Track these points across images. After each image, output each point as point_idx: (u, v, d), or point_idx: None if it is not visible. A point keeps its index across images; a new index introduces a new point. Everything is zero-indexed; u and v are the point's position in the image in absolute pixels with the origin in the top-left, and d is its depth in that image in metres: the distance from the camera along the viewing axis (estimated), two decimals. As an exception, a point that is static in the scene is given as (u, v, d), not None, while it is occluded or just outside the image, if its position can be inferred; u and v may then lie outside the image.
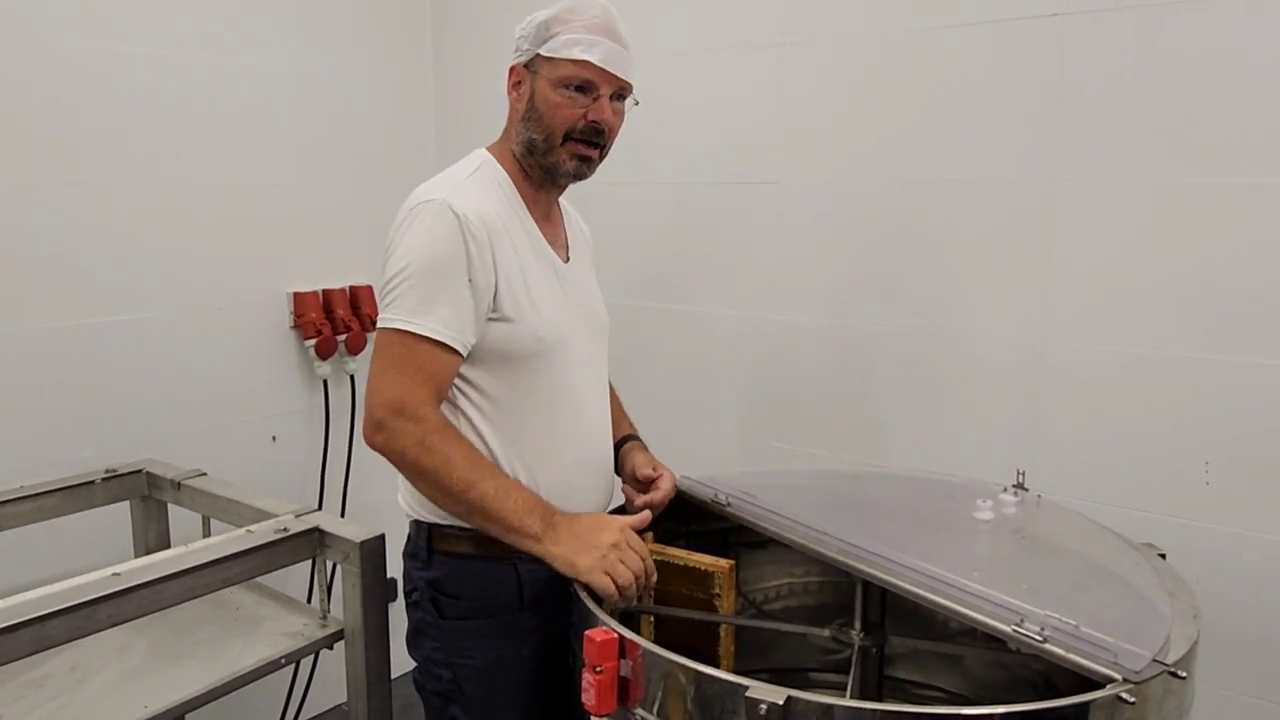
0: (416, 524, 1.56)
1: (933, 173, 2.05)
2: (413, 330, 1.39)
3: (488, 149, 1.59)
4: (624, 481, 1.71)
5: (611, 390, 1.75)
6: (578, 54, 1.45)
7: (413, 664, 1.58)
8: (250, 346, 2.58)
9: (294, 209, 2.65)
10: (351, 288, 2.78)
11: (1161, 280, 1.81)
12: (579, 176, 1.54)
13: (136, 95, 2.27)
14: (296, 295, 2.65)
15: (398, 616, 1.65)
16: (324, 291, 2.72)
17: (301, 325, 2.66)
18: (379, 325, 1.44)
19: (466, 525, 1.48)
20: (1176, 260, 1.79)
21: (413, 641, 1.57)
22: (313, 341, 2.65)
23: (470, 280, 1.42)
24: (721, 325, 2.43)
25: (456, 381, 1.47)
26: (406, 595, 1.58)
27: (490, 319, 1.45)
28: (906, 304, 2.12)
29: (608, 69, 1.47)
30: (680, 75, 2.39)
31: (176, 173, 2.37)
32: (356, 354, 2.77)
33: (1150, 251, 1.81)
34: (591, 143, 1.51)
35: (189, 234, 2.40)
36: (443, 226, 1.42)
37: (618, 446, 1.73)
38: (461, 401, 1.48)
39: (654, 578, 1.44)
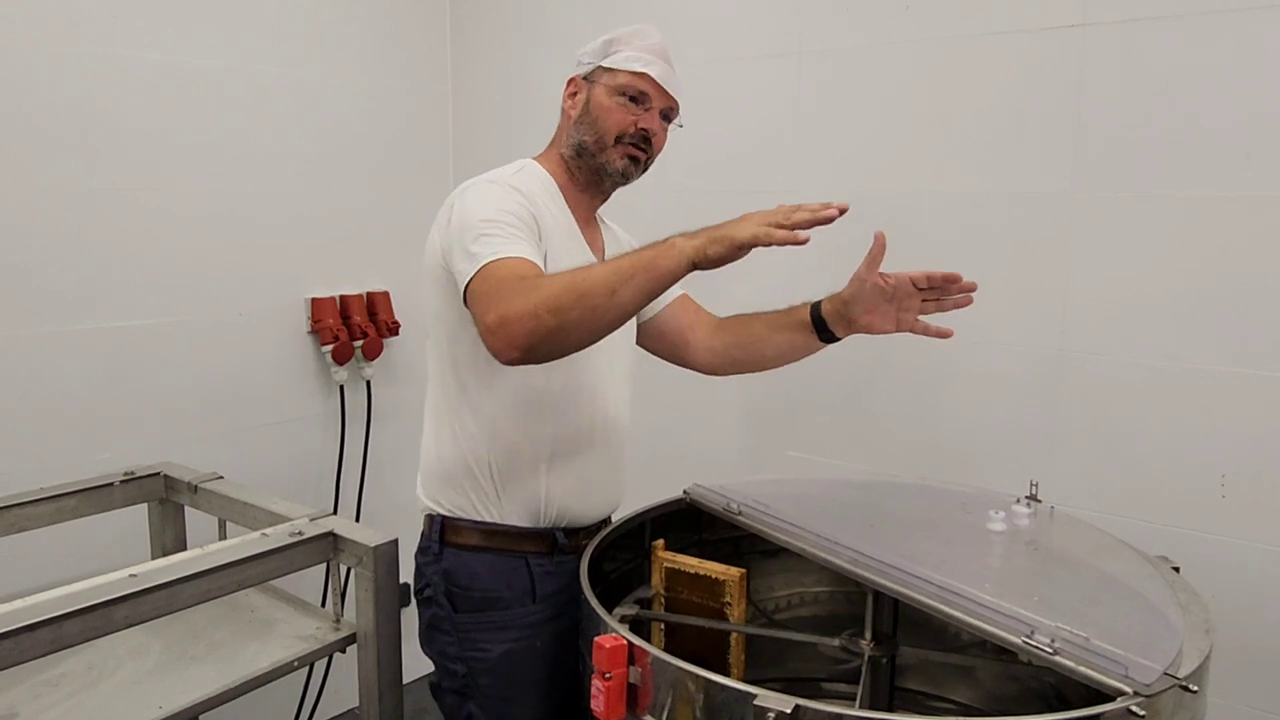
0: (429, 518, 1.58)
1: (951, 183, 2.05)
2: (492, 259, 1.34)
3: (533, 158, 1.64)
4: (892, 296, 1.56)
5: (741, 319, 1.77)
6: (638, 67, 1.55)
7: (425, 669, 1.59)
8: (268, 351, 2.61)
9: (312, 215, 2.67)
10: (369, 294, 2.80)
11: (1179, 293, 1.80)
12: (626, 176, 1.60)
13: (159, 101, 2.30)
14: (314, 301, 2.68)
15: (410, 621, 1.66)
16: (341, 297, 2.74)
17: (319, 331, 2.68)
18: (461, 285, 1.37)
19: (477, 518, 1.49)
20: (1194, 273, 1.78)
21: (426, 638, 1.59)
22: (330, 347, 2.67)
23: (532, 227, 1.44)
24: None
25: (475, 376, 1.48)
26: (418, 593, 1.60)
27: None
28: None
29: (663, 84, 1.57)
30: (696, 83, 2.38)
31: (195, 178, 2.39)
32: (373, 359, 2.78)
33: (1168, 264, 1.80)
34: (640, 147, 1.57)
35: (208, 239, 2.43)
36: (498, 191, 1.47)
37: (815, 309, 1.67)
38: (481, 395, 1.49)
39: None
